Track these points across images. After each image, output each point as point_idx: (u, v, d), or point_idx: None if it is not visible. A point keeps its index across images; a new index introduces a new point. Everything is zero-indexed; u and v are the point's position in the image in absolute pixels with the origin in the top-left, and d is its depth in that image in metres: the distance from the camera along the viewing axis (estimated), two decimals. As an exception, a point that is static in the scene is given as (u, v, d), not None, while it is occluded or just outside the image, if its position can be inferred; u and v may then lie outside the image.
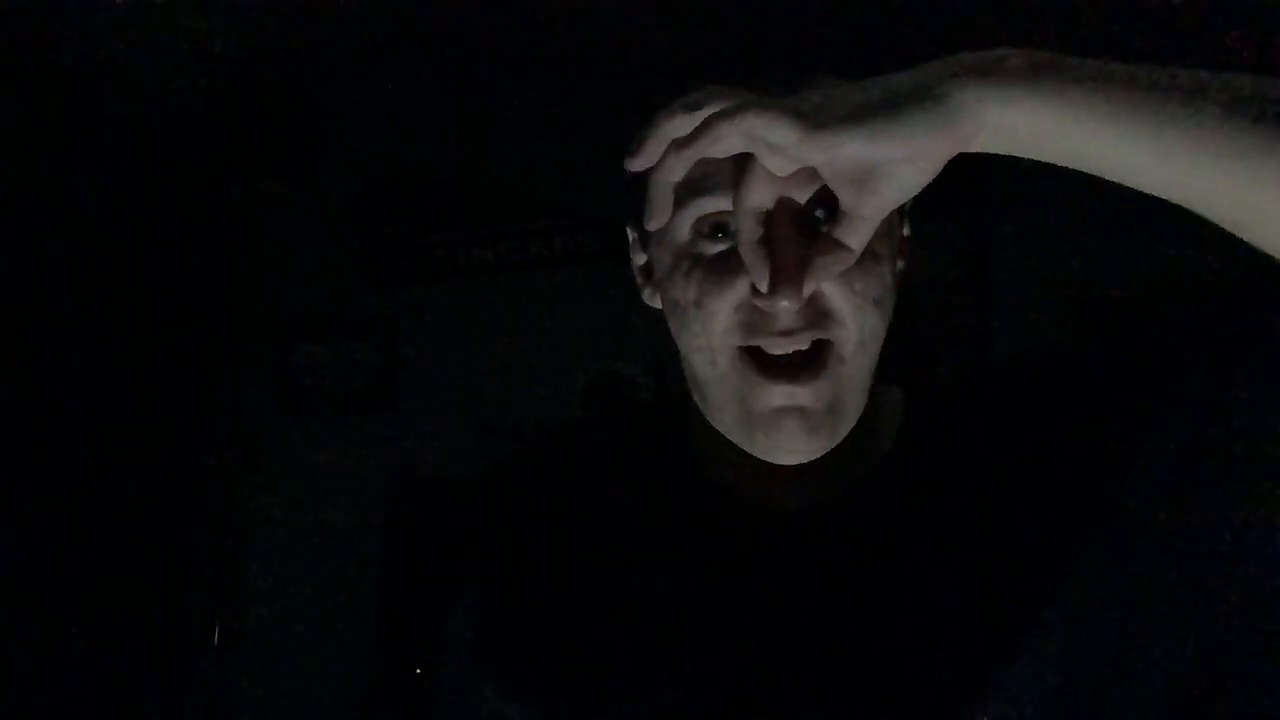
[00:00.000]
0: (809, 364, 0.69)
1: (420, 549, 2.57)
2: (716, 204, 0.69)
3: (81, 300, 2.58)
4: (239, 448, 2.79)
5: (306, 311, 2.85)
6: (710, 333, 0.70)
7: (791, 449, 0.71)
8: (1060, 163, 0.61)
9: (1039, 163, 0.62)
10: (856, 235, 0.62)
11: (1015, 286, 2.53)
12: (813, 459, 0.72)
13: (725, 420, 0.74)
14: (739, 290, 0.69)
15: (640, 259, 0.82)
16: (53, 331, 2.56)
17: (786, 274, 0.63)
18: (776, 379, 0.69)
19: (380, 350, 2.84)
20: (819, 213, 0.67)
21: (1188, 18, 2.08)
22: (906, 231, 0.78)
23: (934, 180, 0.60)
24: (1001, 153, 0.60)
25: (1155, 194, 0.61)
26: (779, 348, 0.69)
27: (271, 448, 2.81)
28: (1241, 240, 0.63)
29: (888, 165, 0.58)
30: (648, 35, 2.36)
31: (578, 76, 2.48)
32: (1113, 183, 0.62)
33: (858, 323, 0.69)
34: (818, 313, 0.68)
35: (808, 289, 0.63)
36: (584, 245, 2.78)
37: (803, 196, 0.64)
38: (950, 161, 0.60)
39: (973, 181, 2.52)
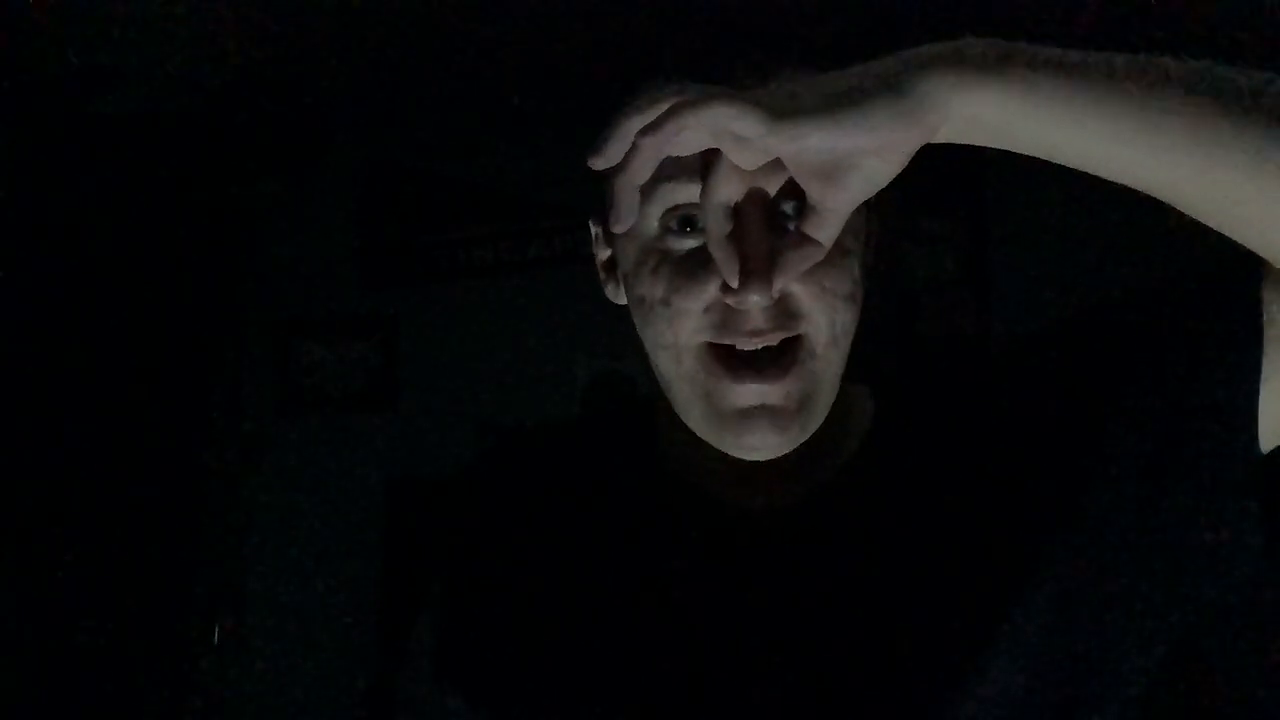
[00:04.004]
0: (779, 359, 0.68)
1: (420, 550, 2.58)
2: (684, 194, 0.68)
3: (81, 300, 2.58)
4: (239, 448, 2.79)
5: (306, 311, 2.86)
6: (678, 331, 0.69)
7: (761, 446, 0.70)
8: (1026, 151, 0.60)
9: (1038, 160, 0.62)
10: (825, 229, 0.61)
11: (1015, 286, 2.52)
12: (782, 454, 0.71)
13: (693, 416, 0.73)
14: (709, 290, 0.68)
15: (604, 254, 0.81)
16: (52, 331, 2.57)
17: (756, 269, 0.62)
18: (745, 378, 0.68)
19: (380, 350, 2.84)
20: (787, 206, 0.67)
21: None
22: (875, 225, 0.78)
23: (933, 178, 0.60)
24: (967, 143, 0.60)
25: (1121, 181, 0.61)
26: (748, 345, 0.68)
27: (271, 448, 2.81)
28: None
29: (854, 158, 0.58)
30: (648, 35, 2.36)
31: (577, 76, 2.47)
32: (1113, 182, 0.62)
33: (828, 319, 0.68)
34: (787, 312, 0.68)
35: (778, 284, 0.63)
36: (584, 245, 2.76)
37: (771, 189, 0.63)
38: (949, 159, 0.60)
39: (972, 179, 2.51)
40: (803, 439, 0.71)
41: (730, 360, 0.69)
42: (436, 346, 2.81)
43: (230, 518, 2.77)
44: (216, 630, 2.72)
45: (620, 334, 0.82)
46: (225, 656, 2.72)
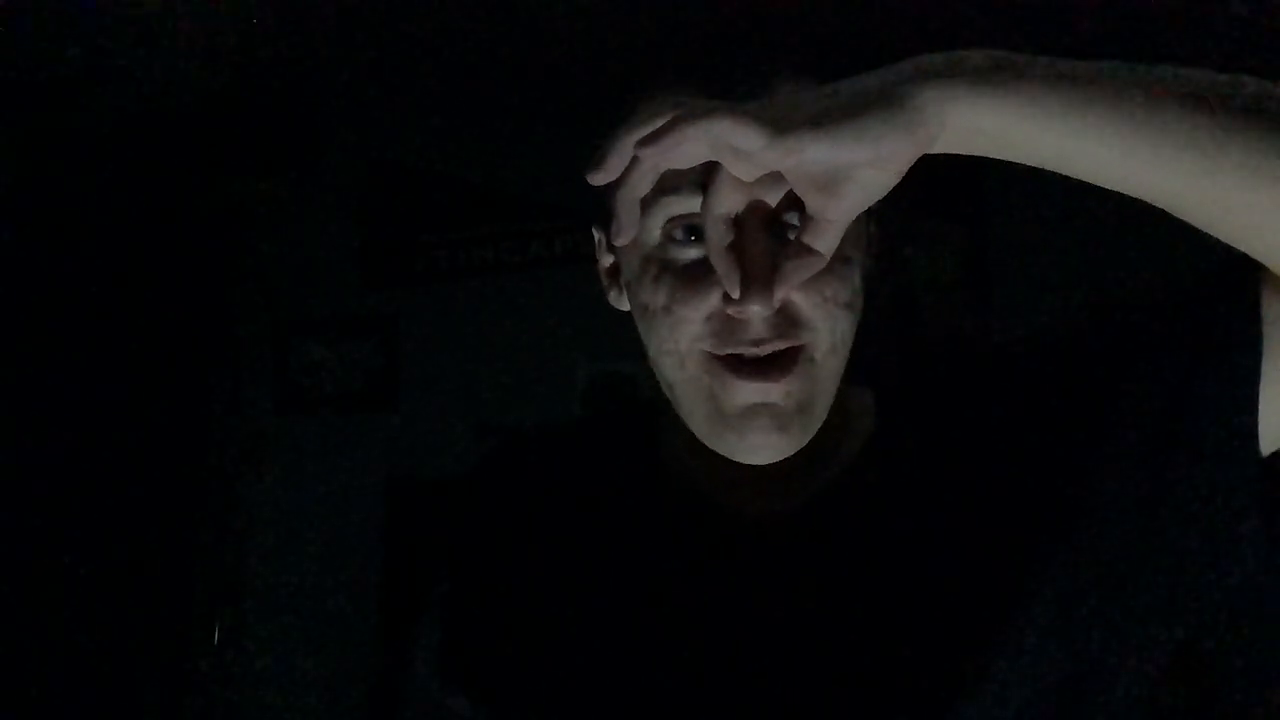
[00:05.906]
0: (780, 361, 0.69)
1: (421, 550, 2.57)
2: (686, 204, 0.68)
3: (81, 300, 2.59)
4: (239, 448, 2.79)
5: (306, 311, 2.85)
6: (679, 339, 0.70)
7: (762, 446, 0.70)
8: (1024, 161, 0.61)
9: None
10: (825, 240, 0.62)
11: (1015, 286, 2.52)
12: (782, 458, 0.71)
13: (695, 420, 0.73)
14: (711, 300, 0.68)
15: (606, 260, 0.81)
16: (52, 331, 2.57)
17: (757, 279, 0.62)
18: (746, 375, 0.69)
19: (380, 350, 2.84)
20: (789, 217, 0.67)
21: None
22: (875, 231, 0.78)
23: (934, 180, 0.60)
24: (965, 153, 0.60)
25: (1120, 189, 0.61)
26: (750, 353, 0.69)
27: (271, 448, 2.81)
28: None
29: (852, 169, 0.58)
30: (648, 35, 2.36)
31: (577, 76, 2.47)
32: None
33: (829, 327, 0.69)
34: (788, 321, 0.68)
35: (779, 294, 0.63)
36: (584, 245, 2.77)
37: (772, 199, 0.64)
38: (950, 162, 0.60)
39: (973, 181, 2.51)
40: (802, 443, 0.71)
41: (733, 361, 0.69)
42: (436, 346, 2.81)
43: (230, 518, 2.77)
44: (216, 630, 2.72)
45: (621, 336, 0.82)
46: (225, 656, 2.72)
